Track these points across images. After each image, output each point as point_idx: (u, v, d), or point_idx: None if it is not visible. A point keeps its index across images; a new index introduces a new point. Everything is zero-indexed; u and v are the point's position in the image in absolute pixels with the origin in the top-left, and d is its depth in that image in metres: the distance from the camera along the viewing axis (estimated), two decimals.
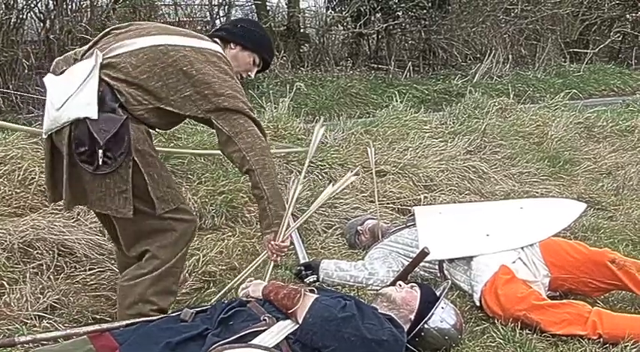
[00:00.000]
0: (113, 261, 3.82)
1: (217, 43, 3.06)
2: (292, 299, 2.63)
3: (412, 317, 2.92)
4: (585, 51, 15.26)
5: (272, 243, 3.07)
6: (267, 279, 3.18)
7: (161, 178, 2.92)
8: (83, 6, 10.63)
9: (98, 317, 3.35)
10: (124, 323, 2.80)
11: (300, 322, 2.58)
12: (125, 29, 2.98)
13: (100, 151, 2.74)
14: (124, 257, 3.16)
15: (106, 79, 2.80)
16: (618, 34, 16.01)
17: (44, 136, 2.93)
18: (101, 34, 3.02)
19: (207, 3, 13.36)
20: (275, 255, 3.15)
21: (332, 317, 2.54)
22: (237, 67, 3.10)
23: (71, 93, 2.77)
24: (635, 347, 2.99)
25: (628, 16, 15.67)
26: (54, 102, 2.82)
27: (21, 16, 9.93)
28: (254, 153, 2.93)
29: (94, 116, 2.73)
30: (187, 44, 2.90)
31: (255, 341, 2.51)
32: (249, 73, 3.22)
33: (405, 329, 2.83)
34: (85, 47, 2.98)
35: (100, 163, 2.76)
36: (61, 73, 2.91)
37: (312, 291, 2.74)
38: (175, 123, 3.17)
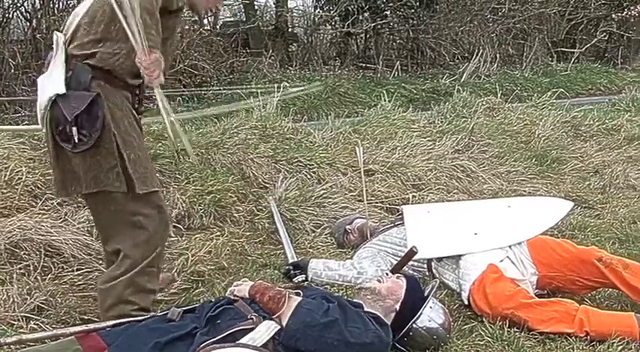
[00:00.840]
0: (101, 262, 3.80)
1: None
2: (277, 303, 2.64)
3: (397, 306, 2.91)
4: (572, 50, 15.32)
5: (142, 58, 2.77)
6: (164, 115, 2.94)
7: (139, 159, 2.92)
8: (70, 5, 10.57)
9: (86, 317, 3.33)
10: (112, 323, 2.79)
11: (283, 327, 2.58)
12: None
13: (74, 129, 2.75)
14: (108, 255, 3.15)
15: (75, 53, 2.82)
16: (604, 34, 16.08)
17: (44, 130, 2.94)
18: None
19: None
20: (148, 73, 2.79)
21: (314, 322, 2.55)
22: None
23: (46, 77, 2.83)
24: (621, 344, 3.01)
25: (614, 15, 15.72)
26: (41, 90, 2.86)
27: (7, 15, 9.86)
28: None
29: (62, 91, 2.75)
30: None
31: (243, 340, 2.51)
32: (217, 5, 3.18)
33: (391, 322, 2.83)
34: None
35: (77, 141, 2.77)
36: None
37: (297, 294, 2.74)
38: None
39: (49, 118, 2.82)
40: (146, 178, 2.94)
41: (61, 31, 2.93)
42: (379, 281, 3.02)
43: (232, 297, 2.82)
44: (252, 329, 2.57)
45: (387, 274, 3.08)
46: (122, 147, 2.85)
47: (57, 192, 3.02)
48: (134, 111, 2.99)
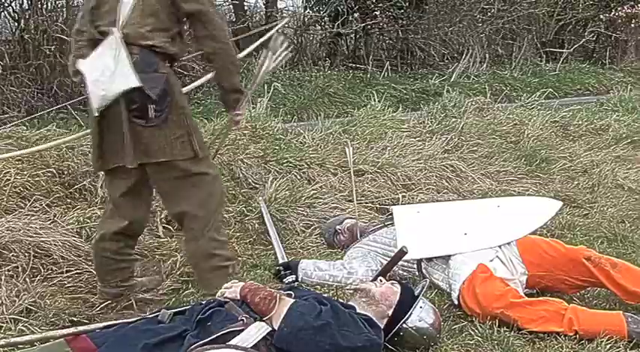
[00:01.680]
0: (90, 263, 3.79)
1: None
2: (268, 305, 2.63)
3: (390, 312, 2.91)
4: (561, 50, 15.37)
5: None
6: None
7: (196, 129, 3.33)
8: (59, 5, 10.52)
9: (75, 319, 3.32)
10: (102, 325, 2.78)
11: (275, 329, 2.57)
12: None
13: (152, 106, 3.11)
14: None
15: (133, 42, 3.12)
16: (592, 34, 16.15)
17: (96, 114, 3.19)
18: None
19: None
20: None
21: (307, 326, 2.54)
22: None
23: (110, 74, 3.09)
24: (610, 343, 3.02)
25: (602, 16, 15.79)
26: (98, 83, 3.13)
27: None
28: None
29: (138, 83, 3.06)
30: None
31: (233, 342, 2.50)
32: None
33: (383, 326, 2.84)
34: (87, 18, 3.28)
35: (151, 116, 3.12)
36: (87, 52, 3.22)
37: (288, 295, 2.73)
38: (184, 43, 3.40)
39: (124, 102, 3.10)
40: (203, 144, 3.34)
41: (89, 27, 3.24)
42: (376, 284, 3.01)
43: (223, 299, 2.81)
44: (242, 331, 2.56)
45: (380, 280, 3.07)
46: (187, 118, 3.25)
47: (130, 162, 3.24)
48: None
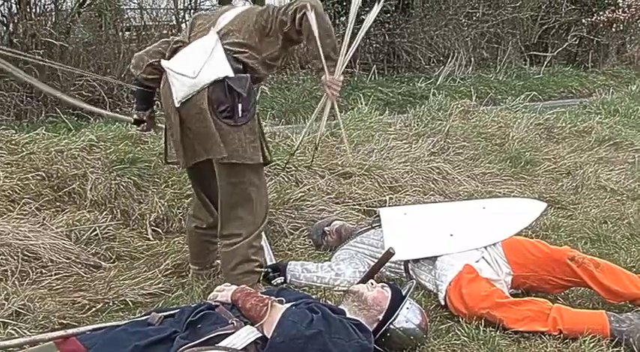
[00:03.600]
0: (80, 266, 3.79)
1: None
2: (259, 311, 2.62)
3: (380, 317, 2.92)
4: (544, 54, 15.45)
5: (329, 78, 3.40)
6: (323, 122, 3.73)
7: (263, 135, 3.48)
8: (48, 10, 10.47)
9: (65, 322, 3.30)
10: (91, 327, 2.76)
11: (268, 337, 2.56)
12: (217, 11, 3.52)
13: (240, 105, 3.22)
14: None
15: (225, 47, 3.27)
16: (575, 38, 16.25)
17: (177, 105, 3.29)
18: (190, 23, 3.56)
19: (172, 7, 13.25)
20: (332, 92, 3.46)
21: (299, 334, 2.54)
22: None
23: (203, 62, 3.22)
24: (593, 342, 3.04)
25: (584, 20, 15.90)
26: (187, 73, 3.24)
27: None
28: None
29: (232, 74, 3.21)
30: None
31: (222, 344, 2.49)
32: None
33: (372, 329, 2.84)
34: (179, 37, 3.51)
35: (240, 116, 3.23)
36: (173, 52, 3.38)
37: (280, 302, 2.72)
38: (272, 68, 3.57)
39: (206, 97, 3.20)
40: (270, 151, 3.51)
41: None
42: (367, 288, 3.00)
43: (213, 303, 2.80)
44: (232, 334, 2.55)
45: (372, 283, 3.06)
46: (259, 124, 3.40)
47: (185, 163, 3.44)
48: None
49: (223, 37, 3.31)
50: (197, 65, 3.24)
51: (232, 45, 3.30)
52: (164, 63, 3.37)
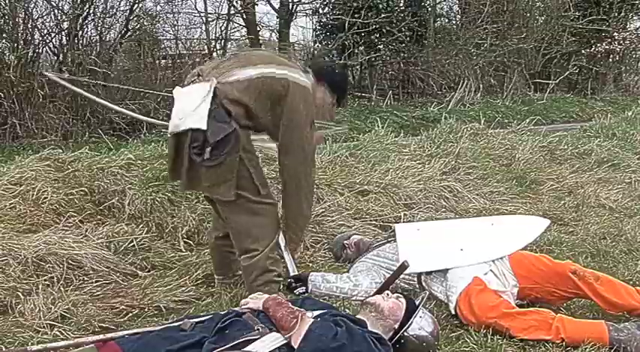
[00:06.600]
0: (118, 274, 3.81)
1: (309, 74, 3.47)
2: (290, 322, 2.60)
3: (396, 326, 2.89)
4: (547, 82, 15.42)
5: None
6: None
7: (259, 170, 3.43)
8: (93, 41, 10.65)
9: (104, 325, 3.32)
10: (129, 332, 2.76)
11: (293, 346, 2.55)
12: (244, 54, 3.60)
13: (208, 149, 3.20)
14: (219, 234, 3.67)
15: (221, 99, 3.25)
16: (575, 67, 16.21)
17: (169, 135, 3.43)
18: (227, 57, 3.68)
19: (205, 37, 13.41)
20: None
21: (324, 346, 2.52)
22: (318, 100, 3.50)
23: (191, 110, 3.24)
24: (593, 350, 3.00)
25: (583, 51, 15.87)
26: (177, 113, 3.31)
27: (37, 51, 9.96)
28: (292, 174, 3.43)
29: (204, 127, 3.19)
30: (282, 75, 3.32)
31: (248, 349, 2.48)
32: (331, 114, 3.87)
33: (388, 337, 2.81)
34: (211, 65, 3.46)
35: (207, 157, 3.22)
36: (188, 84, 3.40)
37: (309, 315, 2.70)
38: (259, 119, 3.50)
39: (188, 137, 3.24)
40: (264, 184, 3.45)
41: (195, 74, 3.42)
42: (383, 298, 2.98)
43: (241, 310, 2.79)
44: (258, 339, 2.54)
45: (387, 294, 3.04)
46: (247, 161, 3.33)
47: (183, 188, 3.63)
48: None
49: (222, 90, 3.28)
50: (186, 110, 3.27)
51: (231, 97, 3.28)
52: (175, 91, 3.44)
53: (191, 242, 4.46)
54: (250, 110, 3.30)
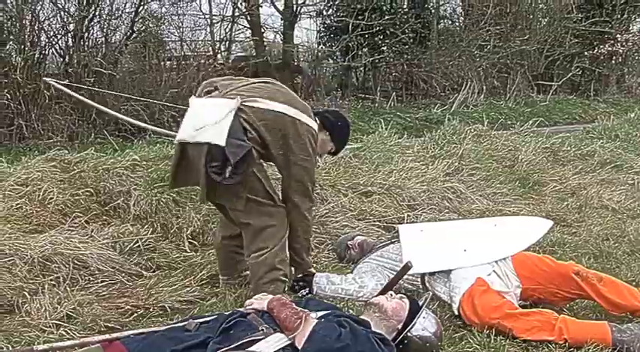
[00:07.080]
0: (124, 274, 3.81)
1: (316, 122, 3.60)
2: (294, 322, 2.60)
3: (400, 326, 2.89)
4: (550, 83, 15.40)
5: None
6: None
7: (268, 179, 3.54)
8: (99, 42, 10.68)
9: (110, 325, 3.32)
10: (134, 332, 2.77)
11: (297, 346, 2.55)
12: (267, 86, 3.57)
13: (230, 168, 3.25)
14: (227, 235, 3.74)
15: (241, 118, 3.34)
16: (578, 69, 16.19)
17: (176, 142, 3.48)
18: (250, 82, 3.60)
19: (209, 39, 13.44)
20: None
21: (328, 347, 2.52)
22: (319, 143, 3.65)
23: (211, 122, 3.28)
24: (596, 350, 2.99)
25: (586, 53, 15.84)
26: (194, 123, 3.34)
27: (43, 52, 9.99)
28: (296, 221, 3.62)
29: (222, 143, 3.23)
30: (297, 117, 3.46)
31: (252, 349, 2.48)
32: (321, 156, 4.00)
33: (391, 338, 2.81)
34: (226, 82, 3.54)
35: (227, 176, 3.27)
36: (205, 94, 3.48)
37: (313, 315, 2.70)
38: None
39: (205, 152, 3.27)
40: (275, 191, 3.55)
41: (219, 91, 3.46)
42: (387, 298, 2.98)
43: (245, 310, 2.79)
44: (262, 340, 2.54)
45: (391, 294, 3.04)
46: (259, 173, 3.44)
47: (202, 200, 3.61)
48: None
49: (243, 110, 3.36)
50: (206, 121, 3.30)
51: (249, 120, 3.36)
52: (192, 99, 3.49)
53: (196, 242, 4.46)
54: (264, 140, 3.41)
